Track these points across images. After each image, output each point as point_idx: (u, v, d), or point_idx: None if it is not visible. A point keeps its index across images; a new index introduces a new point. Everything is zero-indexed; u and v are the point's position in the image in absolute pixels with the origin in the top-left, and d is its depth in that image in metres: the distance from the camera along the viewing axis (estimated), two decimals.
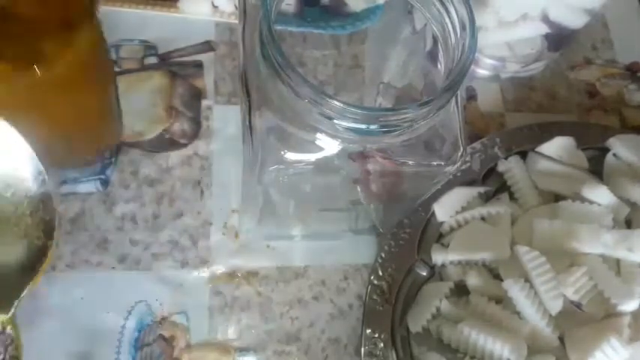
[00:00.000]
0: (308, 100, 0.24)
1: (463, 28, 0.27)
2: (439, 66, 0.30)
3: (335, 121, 0.25)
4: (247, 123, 0.27)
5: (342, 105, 0.24)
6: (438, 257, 0.39)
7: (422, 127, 0.26)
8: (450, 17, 0.28)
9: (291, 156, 0.27)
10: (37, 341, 0.36)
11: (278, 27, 0.26)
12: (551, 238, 0.37)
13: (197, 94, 0.44)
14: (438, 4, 0.28)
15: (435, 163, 0.28)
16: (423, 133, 0.27)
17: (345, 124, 0.25)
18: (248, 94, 0.27)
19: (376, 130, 0.25)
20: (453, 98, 0.28)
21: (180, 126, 0.43)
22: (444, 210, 0.40)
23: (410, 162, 0.28)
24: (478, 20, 0.43)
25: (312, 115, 0.25)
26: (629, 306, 0.35)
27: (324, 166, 0.28)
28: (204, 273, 0.39)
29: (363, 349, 0.36)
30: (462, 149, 0.28)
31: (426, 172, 0.29)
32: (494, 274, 0.38)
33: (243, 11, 0.29)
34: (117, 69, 0.44)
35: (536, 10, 0.40)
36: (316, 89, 0.24)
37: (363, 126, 0.25)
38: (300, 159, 0.27)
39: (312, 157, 0.27)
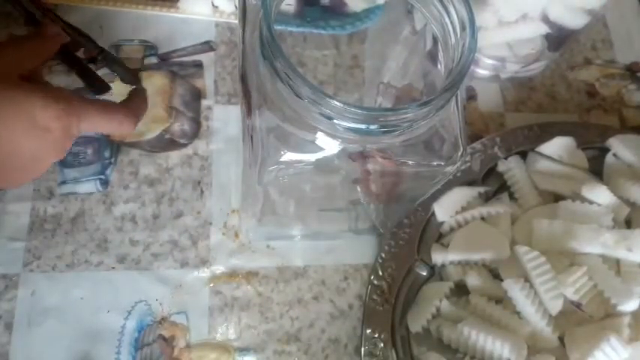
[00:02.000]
0: (308, 100, 0.24)
1: (463, 28, 0.27)
2: (439, 66, 0.30)
3: (335, 121, 0.25)
4: (247, 123, 0.27)
5: (342, 105, 0.24)
6: (438, 257, 0.39)
7: (422, 127, 0.26)
8: (450, 17, 0.28)
9: (291, 156, 0.27)
10: (37, 341, 0.36)
11: (278, 27, 0.26)
12: (551, 238, 0.37)
13: (197, 94, 0.44)
14: (438, 4, 0.28)
15: (434, 163, 0.28)
16: (422, 133, 0.27)
17: (345, 124, 0.25)
18: (248, 94, 0.27)
19: (376, 130, 0.25)
20: (453, 98, 0.28)
21: (180, 126, 0.43)
22: (444, 210, 0.40)
23: (410, 162, 0.28)
24: (478, 20, 0.43)
25: (312, 115, 0.25)
26: (628, 306, 0.35)
27: (324, 166, 0.28)
28: (204, 273, 0.39)
29: (363, 349, 0.36)
30: (462, 149, 0.28)
31: (426, 172, 0.29)
32: (494, 274, 0.38)
33: (243, 11, 0.29)
34: None
35: (537, 10, 0.40)
36: (316, 89, 0.24)
37: (363, 126, 0.25)
38: (300, 159, 0.27)
39: (312, 157, 0.27)
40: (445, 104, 0.26)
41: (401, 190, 0.35)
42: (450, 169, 0.29)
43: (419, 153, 0.28)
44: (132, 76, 0.43)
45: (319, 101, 0.24)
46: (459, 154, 0.28)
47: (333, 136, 0.26)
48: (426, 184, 0.32)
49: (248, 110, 0.27)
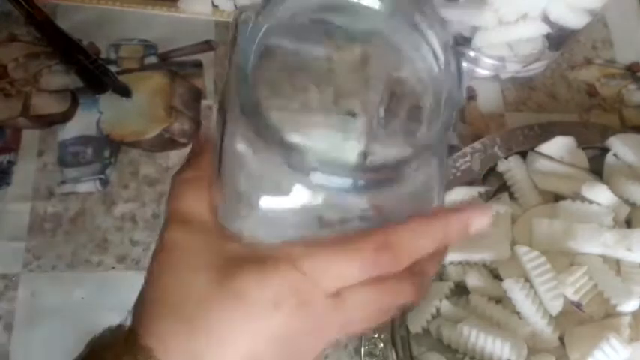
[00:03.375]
0: (282, 159, 0.23)
1: (449, 75, 0.25)
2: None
3: (311, 175, 0.23)
4: (219, 156, 0.25)
5: (317, 161, 0.22)
6: None
7: (401, 184, 0.24)
8: (437, 63, 0.26)
9: (266, 200, 0.25)
10: (37, 341, 0.36)
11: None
12: (551, 238, 0.37)
13: (197, 94, 0.44)
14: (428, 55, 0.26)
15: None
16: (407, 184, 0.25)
17: (322, 177, 0.23)
18: (224, 124, 0.25)
19: (357, 185, 0.23)
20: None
21: (180, 126, 0.43)
22: None
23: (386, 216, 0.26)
24: (478, 20, 0.43)
25: (286, 170, 0.23)
26: (628, 306, 0.35)
27: (303, 212, 0.26)
28: None
29: (363, 349, 0.36)
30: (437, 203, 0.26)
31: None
32: (494, 274, 0.38)
33: (235, 31, 0.28)
34: (116, 68, 0.44)
35: (537, 10, 0.40)
36: (290, 148, 0.22)
37: (342, 180, 0.23)
38: (277, 205, 0.25)
39: (288, 202, 0.25)
40: (426, 160, 0.24)
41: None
42: None
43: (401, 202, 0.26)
44: (122, 87, 0.43)
45: (292, 158, 0.22)
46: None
47: (311, 187, 0.24)
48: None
49: (221, 142, 0.25)
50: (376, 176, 0.24)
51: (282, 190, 0.24)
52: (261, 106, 0.23)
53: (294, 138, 0.23)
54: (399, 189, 0.25)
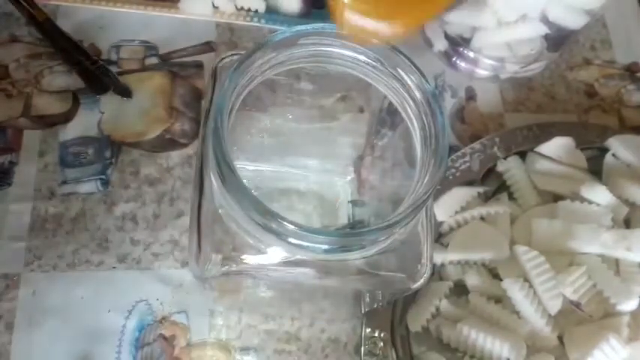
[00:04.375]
0: (259, 224, 0.23)
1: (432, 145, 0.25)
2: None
3: (289, 240, 0.23)
4: (196, 209, 0.26)
5: (295, 228, 0.22)
6: (438, 257, 0.39)
7: (385, 242, 0.25)
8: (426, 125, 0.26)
9: (241, 257, 0.25)
10: (37, 341, 0.36)
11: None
12: (550, 238, 0.37)
13: (197, 95, 0.44)
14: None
15: (399, 275, 0.27)
16: (387, 246, 0.25)
17: (298, 243, 0.23)
18: (202, 178, 0.26)
19: (334, 248, 0.23)
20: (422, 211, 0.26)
21: (180, 126, 0.43)
22: (444, 210, 0.40)
23: (371, 271, 0.26)
24: (478, 20, 0.43)
25: (264, 233, 0.24)
26: (627, 305, 0.35)
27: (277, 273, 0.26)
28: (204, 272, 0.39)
29: (362, 349, 0.37)
30: (426, 266, 0.26)
31: (390, 282, 0.28)
32: (493, 274, 0.38)
33: (213, 84, 0.28)
34: (117, 69, 0.44)
35: (536, 10, 0.41)
36: (270, 213, 0.22)
37: (319, 245, 0.23)
38: (251, 262, 0.26)
39: (264, 261, 0.25)
40: (411, 221, 0.24)
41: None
42: (416, 285, 0.27)
43: (382, 266, 0.26)
44: (123, 88, 0.43)
45: (269, 224, 0.23)
46: (423, 270, 0.27)
47: (288, 250, 0.24)
48: (395, 289, 0.31)
49: (200, 194, 0.26)
50: (346, 243, 0.24)
51: (259, 249, 0.25)
52: (237, 175, 0.23)
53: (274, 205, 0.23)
54: (385, 246, 0.25)
